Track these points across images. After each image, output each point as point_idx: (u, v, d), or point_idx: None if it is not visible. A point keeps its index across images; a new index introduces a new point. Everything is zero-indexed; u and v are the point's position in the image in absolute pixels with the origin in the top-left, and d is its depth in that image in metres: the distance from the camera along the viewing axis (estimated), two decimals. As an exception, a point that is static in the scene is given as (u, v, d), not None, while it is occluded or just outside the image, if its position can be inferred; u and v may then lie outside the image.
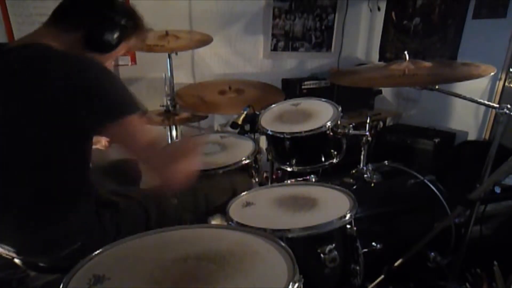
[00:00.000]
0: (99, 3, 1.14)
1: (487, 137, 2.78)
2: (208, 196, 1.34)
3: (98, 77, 1.01)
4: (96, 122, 1.00)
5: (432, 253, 1.52)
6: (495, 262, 1.33)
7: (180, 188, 1.07)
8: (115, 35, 1.14)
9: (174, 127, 2.38)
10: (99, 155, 1.51)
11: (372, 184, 1.67)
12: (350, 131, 1.69)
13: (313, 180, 1.63)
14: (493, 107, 1.43)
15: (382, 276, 1.46)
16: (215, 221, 1.50)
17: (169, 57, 2.26)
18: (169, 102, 2.28)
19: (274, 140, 1.75)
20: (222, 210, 1.31)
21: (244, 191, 1.40)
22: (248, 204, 1.29)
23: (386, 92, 3.40)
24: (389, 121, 3.46)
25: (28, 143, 1.01)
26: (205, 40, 2.25)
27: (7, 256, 1.14)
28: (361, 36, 3.58)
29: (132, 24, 1.19)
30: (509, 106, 1.33)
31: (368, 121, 1.73)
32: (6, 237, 1.10)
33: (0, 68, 1.03)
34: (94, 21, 1.11)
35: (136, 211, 1.14)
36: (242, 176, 1.53)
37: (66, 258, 1.07)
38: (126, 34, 1.19)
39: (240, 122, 1.89)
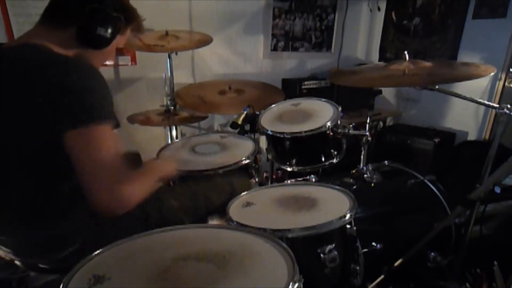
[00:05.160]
0: None
1: (487, 137, 2.78)
2: (208, 199, 1.33)
3: (75, 77, 0.96)
4: (62, 124, 0.94)
5: (432, 253, 1.52)
6: (495, 262, 1.33)
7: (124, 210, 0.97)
8: (109, 28, 1.11)
9: (174, 127, 2.38)
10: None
11: (372, 184, 1.68)
12: (350, 131, 1.69)
13: (313, 180, 1.63)
14: (493, 107, 1.43)
15: (382, 276, 1.46)
16: (214, 222, 1.49)
17: (169, 57, 2.27)
18: (169, 102, 2.28)
19: (274, 140, 1.75)
20: (221, 212, 1.30)
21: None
22: (248, 204, 1.29)
23: (386, 92, 3.40)
24: (389, 121, 3.45)
25: (16, 143, 1.00)
26: (205, 40, 2.25)
27: (7, 257, 1.14)
28: (361, 36, 3.58)
29: (125, 16, 1.16)
30: (509, 106, 1.33)
31: (368, 121, 1.73)
32: (4, 239, 1.10)
33: None
34: (84, 16, 1.08)
35: (135, 214, 1.13)
36: (241, 177, 1.53)
37: (65, 260, 1.06)
38: (120, 26, 1.16)
39: (240, 122, 1.89)
